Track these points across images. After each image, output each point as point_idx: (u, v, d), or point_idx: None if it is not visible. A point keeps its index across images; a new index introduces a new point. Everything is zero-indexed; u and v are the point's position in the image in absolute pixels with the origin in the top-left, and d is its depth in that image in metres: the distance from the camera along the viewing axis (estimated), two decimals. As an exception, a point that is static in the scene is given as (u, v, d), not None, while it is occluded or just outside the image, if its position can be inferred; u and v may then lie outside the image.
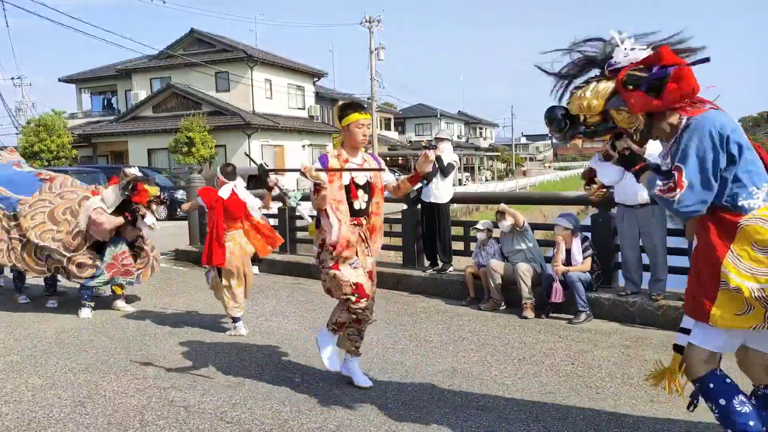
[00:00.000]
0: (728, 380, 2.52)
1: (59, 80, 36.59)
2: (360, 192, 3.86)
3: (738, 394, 2.47)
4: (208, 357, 4.84)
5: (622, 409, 3.68)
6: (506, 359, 4.68)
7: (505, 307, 6.27)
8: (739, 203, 2.43)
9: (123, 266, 6.37)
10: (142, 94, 31.50)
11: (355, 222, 3.85)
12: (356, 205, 3.86)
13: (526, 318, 5.88)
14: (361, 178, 3.86)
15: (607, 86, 2.57)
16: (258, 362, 4.68)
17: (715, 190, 2.42)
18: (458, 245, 7.76)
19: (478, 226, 6.62)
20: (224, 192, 5.50)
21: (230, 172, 5.66)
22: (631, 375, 4.24)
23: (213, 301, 6.90)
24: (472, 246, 7.20)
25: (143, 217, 6.24)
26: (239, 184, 5.67)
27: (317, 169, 3.57)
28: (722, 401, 2.46)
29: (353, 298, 3.78)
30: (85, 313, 6.27)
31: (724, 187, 2.44)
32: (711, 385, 2.50)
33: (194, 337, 5.43)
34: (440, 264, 7.38)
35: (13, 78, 39.09)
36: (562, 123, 2.74)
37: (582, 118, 2.66)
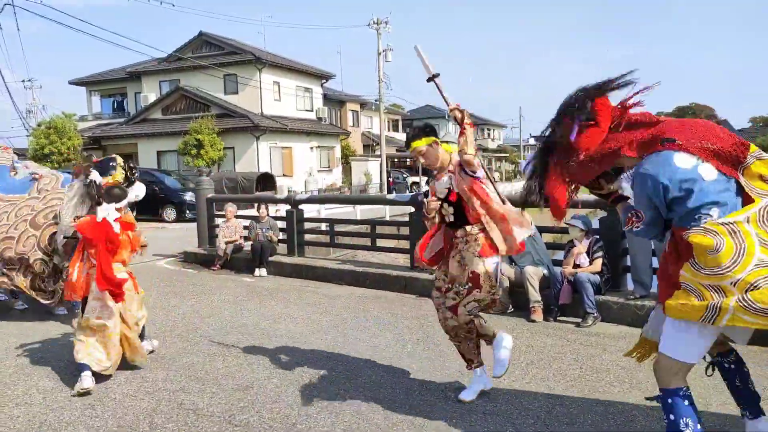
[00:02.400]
0: (686, 402, 2.67)
1: (69, 83, 36.91)
2: (445, 205, 3.85)
3: (688, 417, 2.64)
4: (217, 360, 4.86)
5: (631, 413, 3.67)
6: (514, 363, 4.66)
7: (512, 310, 6.26)
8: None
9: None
10: (152, 97, 31.71)
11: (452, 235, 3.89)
12: (446, 219, 3.90)
13: (534, 321, 5.87)
14: (440, 192, 3.85)
15: None
16: (266, 365, 4.70)
17: (662, 222, 2.75)
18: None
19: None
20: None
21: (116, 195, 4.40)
22: (640, 379, 4.22)
23: (220, 304, 6.94)
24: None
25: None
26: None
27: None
28: (672, 417, 2.66)
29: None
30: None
31: (687, 215, 2.62)
32: (669, 401, 2.68)
33: (203, 340, 5.46)
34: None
35: (23, 80, 39.45)
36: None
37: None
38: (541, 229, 6.65)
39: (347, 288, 7.87)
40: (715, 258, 2.47)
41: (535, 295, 5.98)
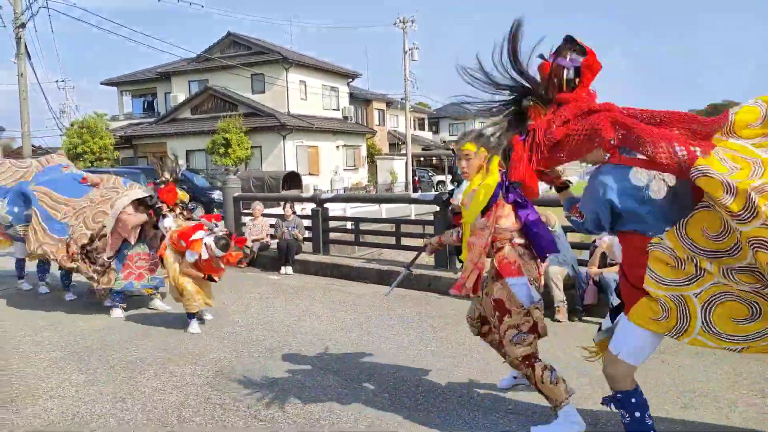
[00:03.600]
0: (644, 397, 2.85)
1: (101, 83, 37.71)
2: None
3: (647, 411, 2.83)
4: (243, 356, 4.95)
5: (655, 415, 3.63)
6: (537, 363, 4.66)
7: (537, 310, 6.23)
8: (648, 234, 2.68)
9: (137, 268, 6.40)
10: (181, 97, 32.21)
11: None
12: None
13: (558, 321, 5.85)
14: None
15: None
16: (291, 362, 4.77)
17: (601, 226, 2.81)
18: (490, 247, 7.73)
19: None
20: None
21: None
22: (664, 381, 4.19)
23: (247, 301, 7.05)
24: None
25: (164, 216, 6.13)
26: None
27: None
28: (637, 414, 2.81)
29: None
30: (116, 313, 6.42)
31: (630, 222, 2.71)
32: (633, 400, 2.82)
33: (229, 337, 5.56)
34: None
35: (57, 81, 40.25)
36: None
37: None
38: (566, 229, 6.60)
39: (372, 286, 7.92)
40: (676, 271, 2.54)
41: (559, 294, 5.95)
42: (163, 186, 6.20)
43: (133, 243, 6.38)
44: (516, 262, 3.44)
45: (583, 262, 6.29)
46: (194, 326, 5.75)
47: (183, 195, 6.28)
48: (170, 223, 6.06)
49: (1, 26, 20.03)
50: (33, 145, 21.79)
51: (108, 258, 6.28)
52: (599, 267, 5.94)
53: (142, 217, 6.33)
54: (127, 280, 6.36)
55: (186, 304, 5.74)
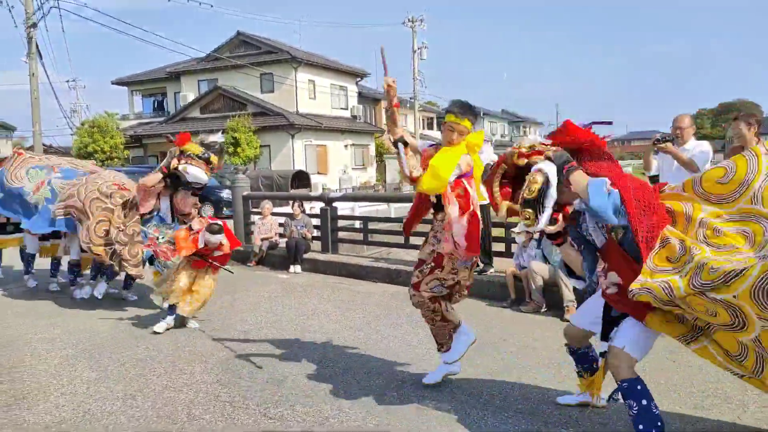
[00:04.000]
0: (647, 386, 2.99)
1: (112, 83, 37.90)
2: None
3: (653, 400, 2.94)
4: (252, 354, 4.96)
5: (666, 416, 3.62)
6: (547, 362, 4.66)
7: (546, 309, 6.22)
8: None
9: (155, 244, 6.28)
10: (191, 96, 32.35)
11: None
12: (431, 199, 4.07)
13: (568, 321, 5.81)
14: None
15: None
16: (300, 360, 4.78)
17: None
18: (499, 246, 7.72)
19: (515, 229, 6.59)
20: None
21: None
22: (675, 381, 4.17)
23: (256, 300, 7.07)
24: (513, 247, 7.17)
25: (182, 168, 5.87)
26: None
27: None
28: (644, 402, 2.92)
29: None
30: (101, 288, 6.79)
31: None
32: (638, 387, 2.95)
33: (239, 335, 5.58)
34: (481, 265, 7.35)
35: (68, 81, 40.60)
36: None
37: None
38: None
39: (380, 285, 7.92)
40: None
41: (569, 294, 5.93)
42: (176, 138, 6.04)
43: (151, 209, 6.30)
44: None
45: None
46: (161, 324, 5.68)
47: (195, 147, 5.92)
48: (185, 168, 5.88)
49: (12, 26, 20.22)
50: (44, 144, 21.98)
51: (139, 224, 6.25)
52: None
53: (157, 176, 6.05)
54: (148, 248, 6.29)
55: (165, 290, 5.71)
